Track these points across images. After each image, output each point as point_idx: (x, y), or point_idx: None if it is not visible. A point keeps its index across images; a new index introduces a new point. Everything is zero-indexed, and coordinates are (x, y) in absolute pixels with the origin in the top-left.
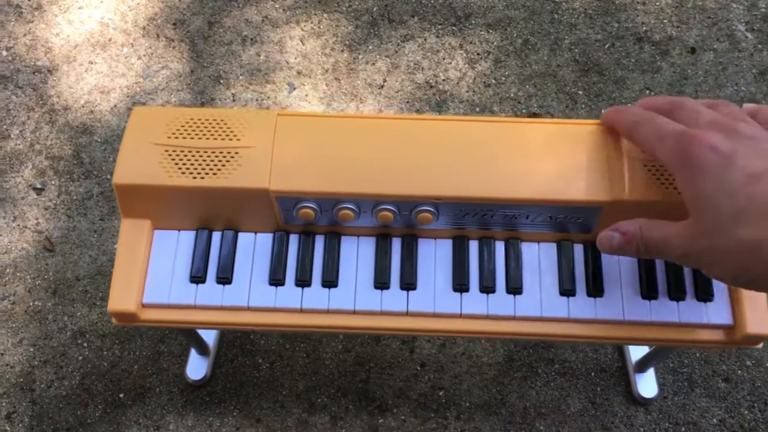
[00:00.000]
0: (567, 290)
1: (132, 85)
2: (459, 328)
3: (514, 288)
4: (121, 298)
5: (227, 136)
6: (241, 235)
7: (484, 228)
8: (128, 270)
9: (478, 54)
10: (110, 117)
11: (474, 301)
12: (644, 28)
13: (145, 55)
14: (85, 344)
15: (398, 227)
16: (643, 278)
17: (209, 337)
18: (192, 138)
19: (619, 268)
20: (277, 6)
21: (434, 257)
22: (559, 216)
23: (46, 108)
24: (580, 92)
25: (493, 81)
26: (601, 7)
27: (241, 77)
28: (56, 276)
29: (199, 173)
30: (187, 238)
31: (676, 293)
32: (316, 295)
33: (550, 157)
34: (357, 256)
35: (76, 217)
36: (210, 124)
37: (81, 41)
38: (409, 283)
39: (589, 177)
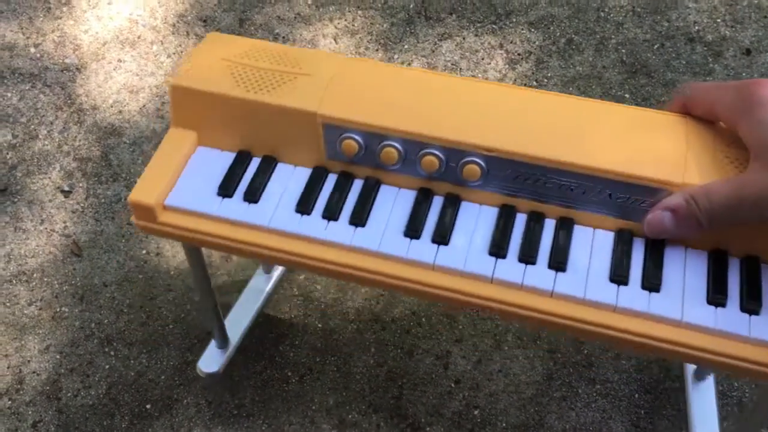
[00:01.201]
0: (619, 276)
1: (161, 85)
2: (487, 294)
3: (558, 263)
4: (145, 190)
5: (291, 64)
6: (280, 165)
7: (536, 199)
8: (161, 169)
9: (519, 54)
10: (139, 118)
11: (509, 268)
12: (696, 28)
13: (174, 53)
14: (112, 353)
15: (442, 182)
16: (710, 282)
17: (234, 331)
18: (256, 60)
19: (684, 270)
20: (309, 2)
21: (476, 219)
22: (620, 195)
23: (74, 107)
24: (627, 95)
25: (535, 83)
26: (650, 5)
27: None
28: (83, 282)
29: (253, 87)
30: (227, 158)
31: (749, 304)
32: (340, 229)
33: (619, 132)
34: (393, 204)
35: (104, 220)
36: (278, 54)
37: (110, 38)
38: (442, 237)
39: (660, 156)
